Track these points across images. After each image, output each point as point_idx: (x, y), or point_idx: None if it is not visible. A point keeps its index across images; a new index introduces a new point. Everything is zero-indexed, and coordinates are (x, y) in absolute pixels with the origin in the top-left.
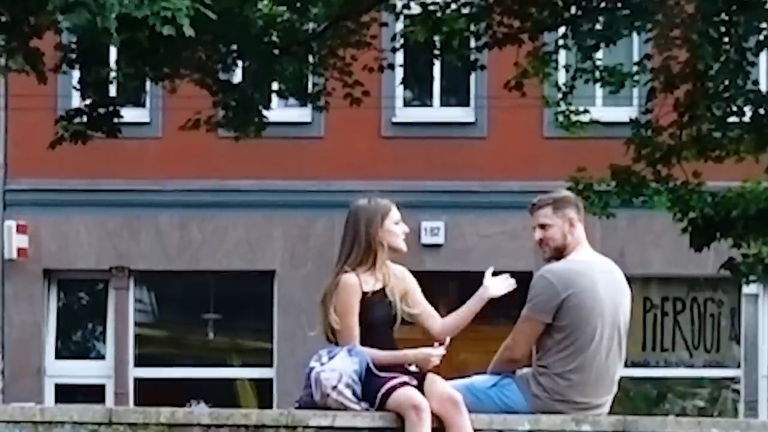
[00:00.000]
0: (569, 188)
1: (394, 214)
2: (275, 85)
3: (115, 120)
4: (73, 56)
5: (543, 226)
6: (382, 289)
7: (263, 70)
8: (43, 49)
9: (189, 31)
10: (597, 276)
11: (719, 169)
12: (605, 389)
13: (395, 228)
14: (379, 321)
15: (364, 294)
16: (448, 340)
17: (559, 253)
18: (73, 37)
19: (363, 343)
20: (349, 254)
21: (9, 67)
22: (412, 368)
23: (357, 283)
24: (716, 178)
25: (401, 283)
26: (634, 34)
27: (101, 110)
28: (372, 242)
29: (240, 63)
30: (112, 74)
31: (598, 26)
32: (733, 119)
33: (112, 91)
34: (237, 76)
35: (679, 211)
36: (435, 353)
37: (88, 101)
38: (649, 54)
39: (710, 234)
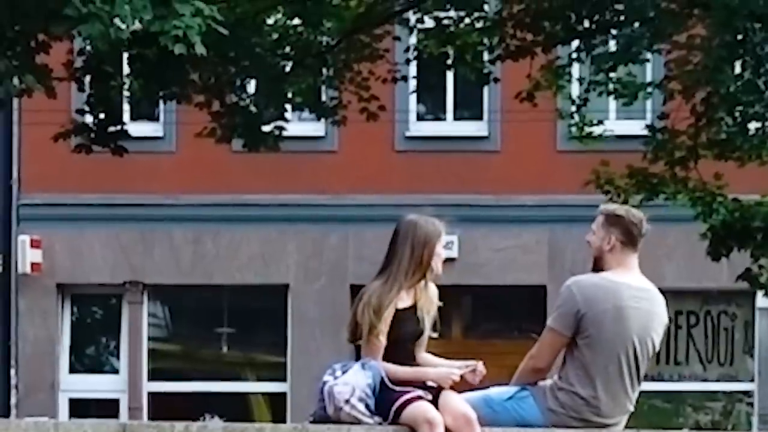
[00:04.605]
0: (589, 181)
1: (444, 237)
2: (289, 99)
3: (123, 139)
4: (83, 72)
5: (593, 230)
6: (413, 306)
7: (276, 85)
8: (51, 65)
9: (200, 49)
10: (626, 301)
11: (739, 180)
12: (621, 410)
13: (443, 252)
14: (406, 337)
15: (397, 310)
16: (481, 366)
17: (598, 263)
18: (84, 52)
19: (387, 357)
20: (404, 270)
21: (21, 86)
22: (429, 383)
23: (394, 303)
24: (736, 191)
25: (430, 303)
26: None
27: (111, 129)
28: (425, 264)
29: (251, 81)
30: (123, 90)
31: (613, 46)
32: (752, 125)
33: (121, 108)
34: (249, 90)
35: (701, 213)
36: (456, 373)
37: (94, 118)
38: (665, 62)
39: (729, 243)
